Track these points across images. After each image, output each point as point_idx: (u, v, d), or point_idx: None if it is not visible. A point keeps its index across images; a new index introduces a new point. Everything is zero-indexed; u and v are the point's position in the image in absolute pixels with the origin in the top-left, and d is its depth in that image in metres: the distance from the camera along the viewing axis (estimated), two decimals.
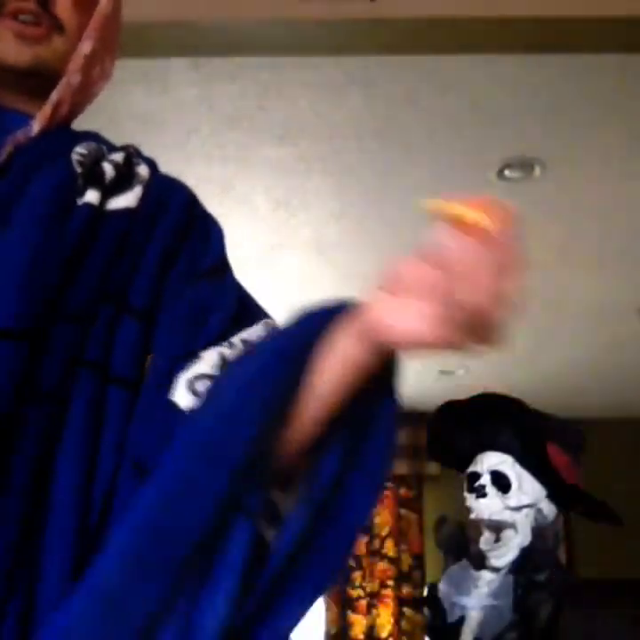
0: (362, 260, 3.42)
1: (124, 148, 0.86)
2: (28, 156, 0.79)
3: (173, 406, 0.69)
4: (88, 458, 0.69)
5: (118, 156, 0.82)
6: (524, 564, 1.96)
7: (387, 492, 5.14)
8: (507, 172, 2.80)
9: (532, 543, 1.99)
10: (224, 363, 0.72)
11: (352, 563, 5.03)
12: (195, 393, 0.70)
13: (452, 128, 2.59)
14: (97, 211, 0.76)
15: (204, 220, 0.88)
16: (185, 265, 0.81)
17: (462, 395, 2.18)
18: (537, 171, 2.79)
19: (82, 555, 0.66)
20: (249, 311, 0.83)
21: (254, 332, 0.77)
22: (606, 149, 2.70)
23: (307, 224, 3.15)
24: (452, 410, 2.16)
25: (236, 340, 0.75)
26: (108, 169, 0.80)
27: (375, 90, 2.43)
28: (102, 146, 0.84)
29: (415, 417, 5.11)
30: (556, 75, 2.37)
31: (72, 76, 0.84)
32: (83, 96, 0.89)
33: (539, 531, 2.01)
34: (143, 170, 0.84)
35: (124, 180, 0.80)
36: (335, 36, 2.03)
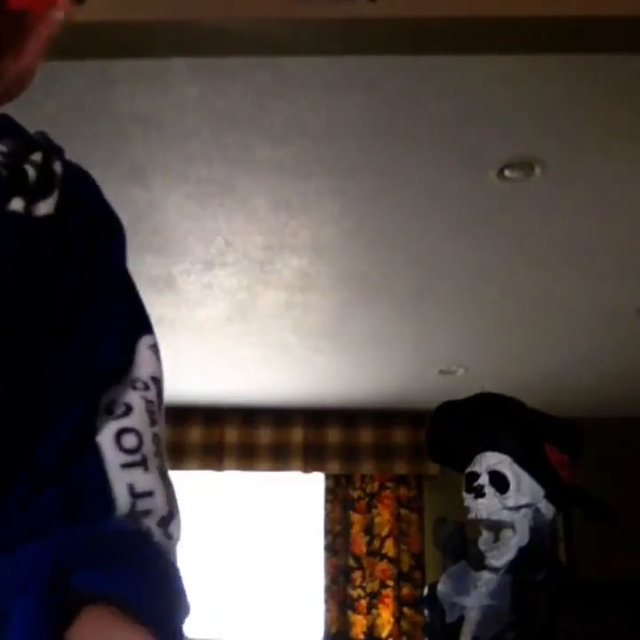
0: (361, 260, 3.43)
1: (39, 142, 0.79)
2: None
3: (96, 449, 0.66)
4: None
5: (37, 156, 0.77)
6: (522, 564, 1.96)
7: (387, 492, 5.15)
8: (507, 172, 2.80)
9: (530, 543, 2.00)
10: (151, 419, 0.71)
11: (352, 563, 5.04)
12: (122, 449, 0.67)
13: (451, 128, 2.59)
14: (24, 218, 0.71)
15: (109, 220, 0.82)
16: (93, 274, 0.76)
17: (462, 395, 2.18)
18: (537, 171, 2.79)
19: None
20: (143, 321, 0.80)
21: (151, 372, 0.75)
22: (606, 150, 2.70)
23: (306, 224, 3.15)
24: (452, 410, 2.17)
25: (146, 378, 0.73)
26: (31, 172, 0.74)
27: (375, 90, 2.43)
28: (17, 139, 0.77)
29: (415, 417, 5.13)
30: (556, 75, 2.37)
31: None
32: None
33: (537, 531, 2.01)
34: (58, 167, 0.78)
35: (45, 183, 0.75)
36: (335, 36, 2.03)
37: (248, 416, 5.21)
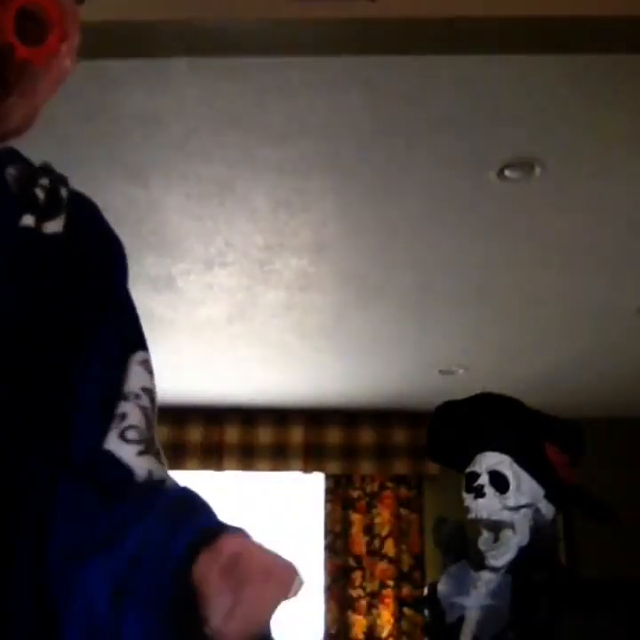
0: (361, 260, 3.43)
1: (45, 170, 0.86)
2: None
3: (109, 454, 0.77)
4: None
5: (45, 181, 0.83)
6: (522, 564, 1.96)
7: (387, 492, 5.15)
8: (507, 172, 2.80)
9: (530, 543, 1.99)
10: (145, 416, 0.81)
11: (352, 562, 5.04)
12: (125, 440, 0.78)
13: (452, 128, 2.59)
14: (35, 234, 0.77)
15: (110, 243, 0.89)
16: (99, 294, 0.83)
17: (462, 395, 2.18)
18: (537, 171, 2.79)
19: None
20: (137, 339, 0.87)
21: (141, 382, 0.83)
22: (606, 149, 2.70)
23: (307, 224, 3.15)
24: (452, 410, 2.17)
25: (137, 390, 0.82)
26: (40, 194, 0.81)
27: (375, 90, 2.43)
28: (26, 167, 0.85)
29: (415, 417, 5.13)
30: (556, 75, 2.37)
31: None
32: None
33: (537, 531, 2.01)
34: (64, 193, 0.84)
35: (53, 204, 0.81)
36: (335, 36, 2.03)
37: (248, 416, 5.20)
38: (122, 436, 0.78)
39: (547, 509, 2.05)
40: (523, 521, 2.01)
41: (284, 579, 0.63)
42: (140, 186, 2.84)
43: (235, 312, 3.90)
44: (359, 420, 5.19)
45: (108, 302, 0.84)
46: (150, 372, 0.85)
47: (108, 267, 0.86)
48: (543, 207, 3.03)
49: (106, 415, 0.79)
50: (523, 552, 1.98)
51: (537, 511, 2.03)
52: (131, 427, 0.79)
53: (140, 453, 0.79)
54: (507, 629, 1.88)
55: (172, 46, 2.06)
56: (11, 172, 0.81)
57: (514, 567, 1.97)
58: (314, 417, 5.21)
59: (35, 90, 0.80)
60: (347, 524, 5.10)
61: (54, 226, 0.80)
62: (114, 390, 0.81)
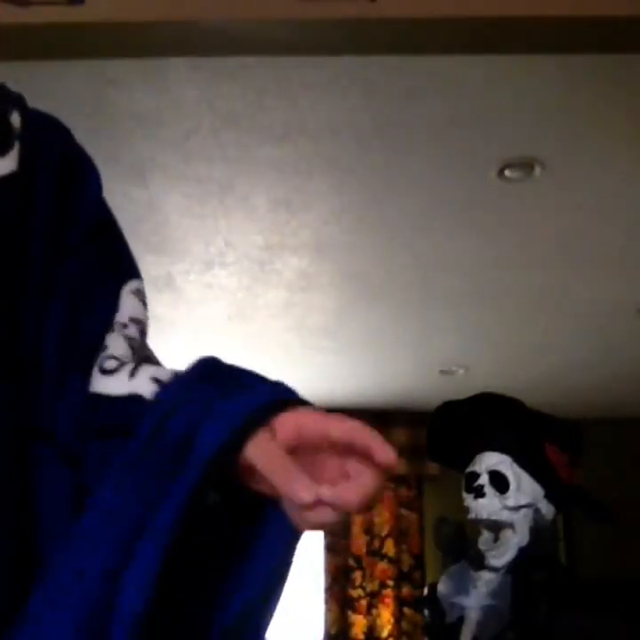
0: (362, 259, 3.43)
1: None
2: None
3: (96, 396, 0.67)
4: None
5: None
6: (522, 564, 1.96)
7: (387, 492, 5.15)
8: (507, 172, 2.80)
9: (530, 543, 2.00)
10: (131, 347, 0.70)
11: (352, 562, 5.04)
12: (104, 371, 0.67)
13: (452, 128, 2.59)
14: None
15: (79, 163, 0.78)
16: (69, 225, 0.72)
17: (462, 395, 2.18)
18: (537, 171, 2.79)
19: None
20: (128, 266, 0.77)
21: (134, 310, 0.74)
22: (606, 149, 2.70)
23: (307, 224, 3.15)
24: (452, 410, 2.17)
25: (125, 320, 0.72)
26: None
27: (375, 90, 2.43)
28: None
29: (415, 417, 5.13)
30: (556, 75, 2.37)
31: None
32: None
33: (537, 531, 2.01)
34: (16, 119, 0.73)
35: (2, 139, 0.70)
36: (335, 36, 2.03)
37: None
38: (102, 370, 0.67)
39: (547, 509, 2.05)
40: (523, 521, 2.01)
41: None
42: (140, 186, 2.84)
43: (235, 312, 3.89)
44: (359, 420, 5.18)
45: (83, 228, 0.73)
46: (143, 301, 0.76)
47: (80, 193, 0.75)
48: (543, 207, 3.03)
49: (88, 359, 0.68)
50: (523, 552, 1.98)
51: (537, 511, 2.03)
52: (109, 357, 0.68)
53: (132, 373, 0.67)
54: (507, 629, 1.88)
55: (172, 46, 2.05)
56: None
57: (514, 567, 1.97)
58: None
59: None
60: (346, 523, 5.10)
61: (4, 165, 0.68)
62: (102, 327, 0.70)
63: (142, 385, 0.66)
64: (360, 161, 2.77)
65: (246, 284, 3.63)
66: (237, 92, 2.44)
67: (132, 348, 0.71)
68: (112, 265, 0.75)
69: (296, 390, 0.64)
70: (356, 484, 0.55)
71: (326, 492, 0.53)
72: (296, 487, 0.53)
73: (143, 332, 0.74)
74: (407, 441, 5.13)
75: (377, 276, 3.56)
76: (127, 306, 0.73)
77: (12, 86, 0.80)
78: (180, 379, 0.65)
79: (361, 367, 4.57)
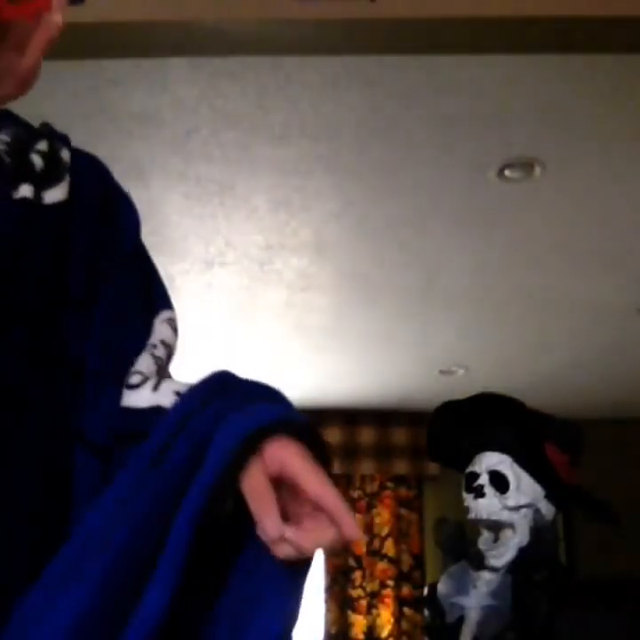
0: (362, 259, 3.43)
1: (43, 133, 0.81)
2: None
3: (125, 410, 0.73)
4: (45, 451, 0.70)
5: (43, 145, 0.78)
6: (522, 564, 1.96)
7: (387, 492, 5.15)
8: (507, 172, 2.80)
9: (530, 543, 2.00)
10: (157, 365, 0.76)
11: (352, 562, 5.04)
12: (129, 386, 0.73)
13: (451, 128, 2.59)
14: (34, 205, 0.73)
15: (119, 199, 0.85)
16: (107, 252, 0.80)
17: (462, 395, 2.18)
18: (537, 171, 2.79)
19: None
20: (162, 298, 0.84)
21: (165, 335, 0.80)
22: (606, 149, 2.70)
23: (307, 224, 3.15)
24: (452, 410, 2.17)
25: (155, 341, 0.78)
26: (37, 160, 0.76)
27: (375, 90, 2.43)
28: (20, 129, 0.79)
29: (415, 417, 5.13)
30: (556, 75, 2.37)
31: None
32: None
33: (537, 531, 2.01)
34: (65, 155, 0.80)
35: (53, 170, 0.77)
36: (335, 36, 2.03)
37: None
38: (128, 386, 0.74)
39: (547, 509, 2.05)
40: (523, 521, 2.01)
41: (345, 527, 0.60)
42: (140, 186, 2.84)
43: (235, 312, 3.90)
44: (359, 420, 5.19)
45: (121, 261, 0.80)
46: (174, 329, 0.81)
47: (119, 225, 0.83)
48: (543, 207, 3.03)
49: (121, 377, 0.75)
50: (523, 552, 1.99)
51: (537, 511, 2.03)
52: (135, 372, 0.75)
53: (156, 387, 0.74)
54: (507, 629, 1.88)
55: (172, 46, 2.05)
56: (2, 138, 0.76)
57: (514, 567, 1.97)
58: (314, 417, 5.20)
59: (24, 48, 0.75)
60: None
61: (56, 194, 0.76)
62: (135, 348, 0.77)
63: (165, 399, 0.74)
64: (360, 161, 2.77)
65: (246, 284, 3.63)
66: (237, 92, 2.44)
67: (157, 366, 0.77)
68: (146, 295, 0.82)
69: (292, 406, 0.71)
70: (315, 536, 0.61)
71: (289, 533, 0.59)
72: (267, 523, 0.60)
73: (170, 356, 0.80)
74: (407, 441, 5.14)
75: (377, 276, 3.56)
76: (159, 331, 0.79)
77: None
78: (192, 391, 0.72)
79: (361, 367, 4.57)
